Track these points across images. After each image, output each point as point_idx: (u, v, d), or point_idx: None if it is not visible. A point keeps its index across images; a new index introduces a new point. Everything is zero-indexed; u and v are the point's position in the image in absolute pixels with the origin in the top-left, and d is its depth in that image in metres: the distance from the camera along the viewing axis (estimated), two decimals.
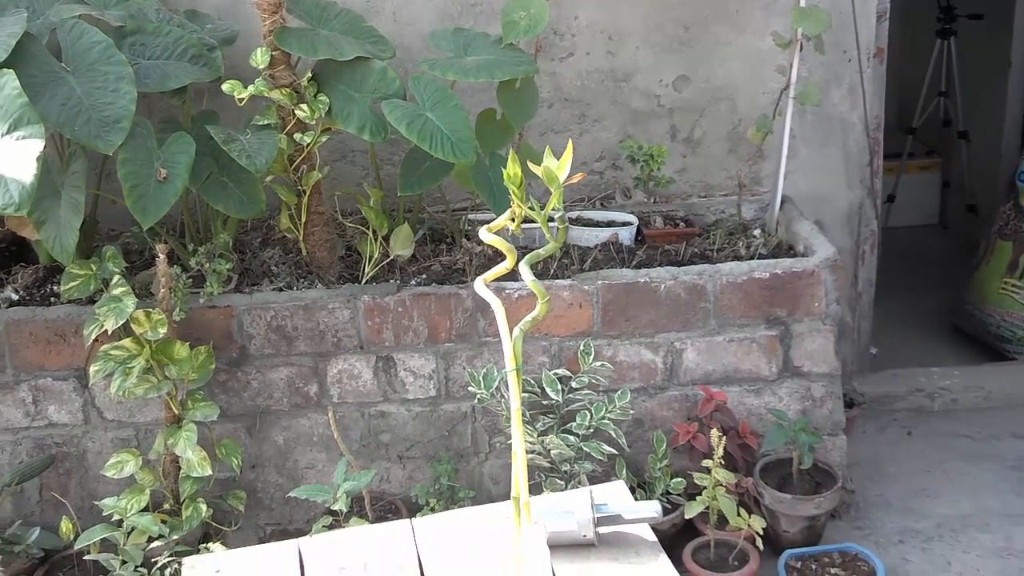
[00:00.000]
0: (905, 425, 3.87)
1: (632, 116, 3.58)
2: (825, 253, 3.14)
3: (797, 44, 3.19)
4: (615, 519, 1.89)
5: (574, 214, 3.48)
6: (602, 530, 1.87)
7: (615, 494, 2.00)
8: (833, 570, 3.04)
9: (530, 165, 1.65)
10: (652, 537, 1.91)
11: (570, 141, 1.69)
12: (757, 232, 3.45)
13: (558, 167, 1.62)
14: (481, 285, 1.67)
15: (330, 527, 2.87)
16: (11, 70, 2.59)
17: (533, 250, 1.69)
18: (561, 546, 1.82)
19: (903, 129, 5.42)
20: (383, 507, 3.14)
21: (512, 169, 1.61)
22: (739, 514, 2.89)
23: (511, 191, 1.63)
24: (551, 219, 1.62)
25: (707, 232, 3.48)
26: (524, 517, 1.64)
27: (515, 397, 1.64)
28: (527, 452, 3.03)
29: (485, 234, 1.67)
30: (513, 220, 1.66)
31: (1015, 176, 4.30)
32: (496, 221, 1.68)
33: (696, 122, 3.61)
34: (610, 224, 3.46)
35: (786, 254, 3.30)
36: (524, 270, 1.65)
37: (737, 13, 3.49)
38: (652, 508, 1.89)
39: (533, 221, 1.63)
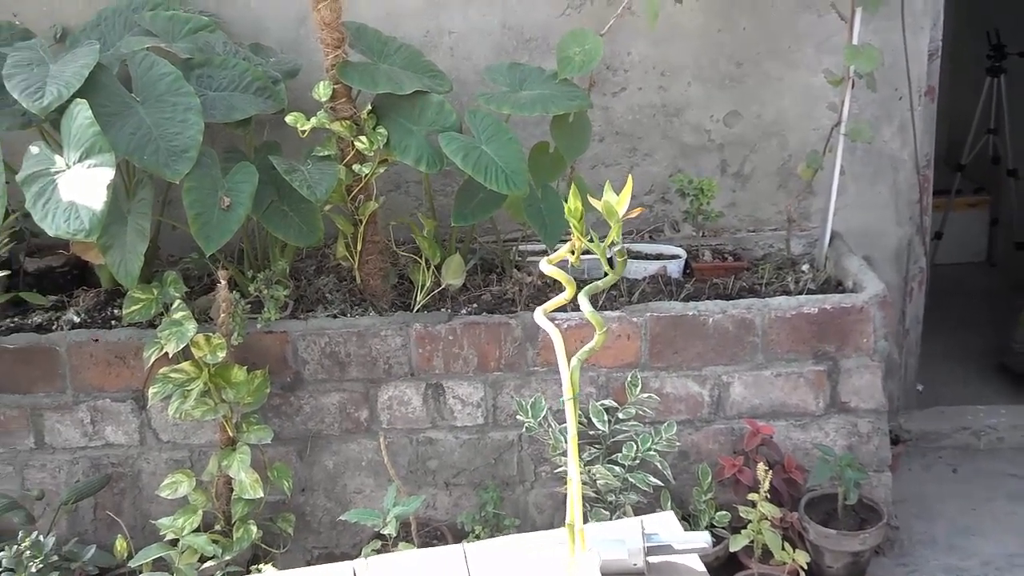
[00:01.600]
0: (951, 463, 3.85)
1: (682, 150, 3.62)
2: (874, 289, 3.15)
3: (849, 81, 3.22)
4: (665, 549, 1.91)
5: (610, 253, 3.51)
6: (652, 559, 1.89)
7: (665, 524, 2.02)
8: None
9: (590, 199, 1.69)
10: (701, 567, 1.92)
11: (629, 177, 1.74)
12: (805, 267, 3.47)
13: (618, 202, 1.66)
14: (540, 315, 1.71)
15: (379, 551, 2.91)
16: (84, 100, 2.69)
17: (588, 282, 1.74)
18: (611, 574, 1.85)
19: (952, 166, 5.42)
20: (429, 533, 3.17)
21: (573, 203, 1.65)
22: (783, 548, 2.90)
23: (572, 224, 1.67)
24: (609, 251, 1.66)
25: (755, 266, 3.50)
26: (579, 544, 1.68)
27: (572, 425, 1.67)
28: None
29: (545, 265, 1.71)
30: (573, 252, 1.70)
31: None
32: (556, 253, 1.72)
33: (746, 157, 3.64)
34: (659, 257, 3.49)
35: (835, 290, 3.31)
36: (583, 301, 1.69)
37: (789, 50, 3.53)
38: (702, 539, 1.91)
39: (589, 252, 1.67)
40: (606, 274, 1.73)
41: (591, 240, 1.67)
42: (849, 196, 3.60)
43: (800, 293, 3.27)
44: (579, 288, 1.71)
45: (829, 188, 3.43)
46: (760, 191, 3.68)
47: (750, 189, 3.67)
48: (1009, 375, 4.43)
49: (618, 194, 1.67)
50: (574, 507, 1.69)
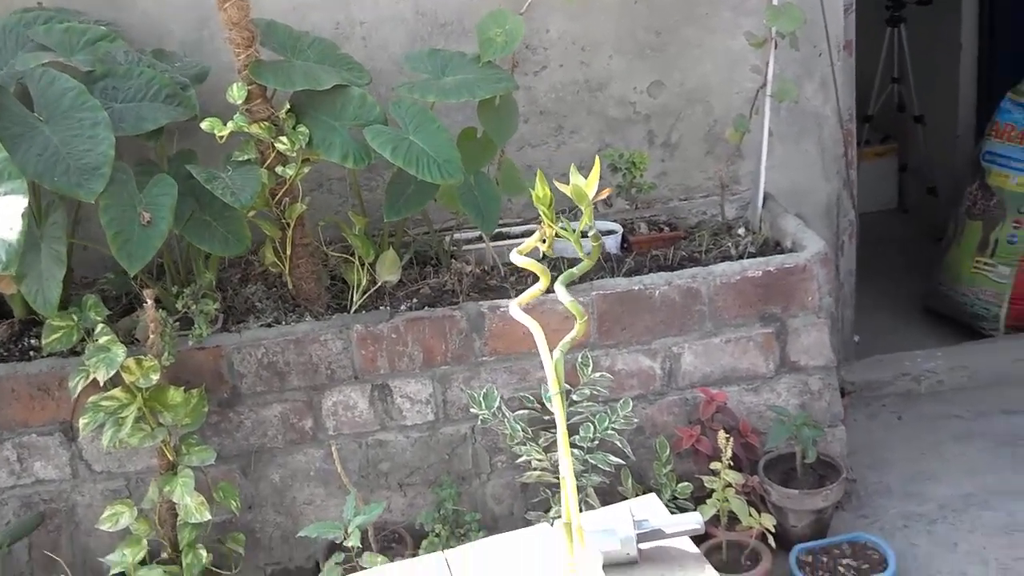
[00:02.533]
0: (895, 410, 3.90)
1: (609, 124, 3.58)
2: (815, 247, 3.16)
3: (772, 42, 3.21)
4: (657, 534, 1.86)
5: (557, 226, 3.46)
6: (644, 546, 1.85)
7: (651, 507, 1.98)
8: (844, 561, 3.05)
9: (557, 184, 1.62)
10: (694, 549, 1.89)
11: (597, 158, 1.68)
12: (741, 231, 3.46)
13: (587, 184, 1.60)
14: (517, 309, 1.65)
15: (341, 563, 2.81)
16: None
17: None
18: (605, 566, 1.79)
19: (859, 117, 5.48)
20: (387, 537, 3.09)
21: (541, 190, 1.59)
22: (750, 514, 2.89)
23: (541, 212, 1.60)
24: (584, 235, 1.60)
25: (692, 235, 3.48)
26: (578, 543, 1.61)
27: (561, 421, 1.61)
28: (533, 469, 3.01)
29: (517, 257, 1.64)
30: (544, 241, 1.63)
31: (979, 157, 4.37)
32: (526, 243, 1.65)
33: (673, 126, 3.61)
34: None
35: (774, 251, 3.31)
36: (560, 290, 1.63)
37: (707, 15, 3.49)
38: (694, 520, 1.87)
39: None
40: (578, 260, 1.67)
41: (563, 227, 1.61)
42: (776, 156, 3.60)
43: (741, 257, 3.25)
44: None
45: (758, 150, 3.42)
46: (689, 159, 3.65)
47: (679, 158, 3.65)
48: (935, 317, 4.53)
49: (586, 177, 1.61)
50: (570, 505, 1.63)
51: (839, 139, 3.70)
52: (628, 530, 1.82)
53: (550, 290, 1.65)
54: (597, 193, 1.60)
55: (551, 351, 1.62)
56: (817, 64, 3.60)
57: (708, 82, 3.57)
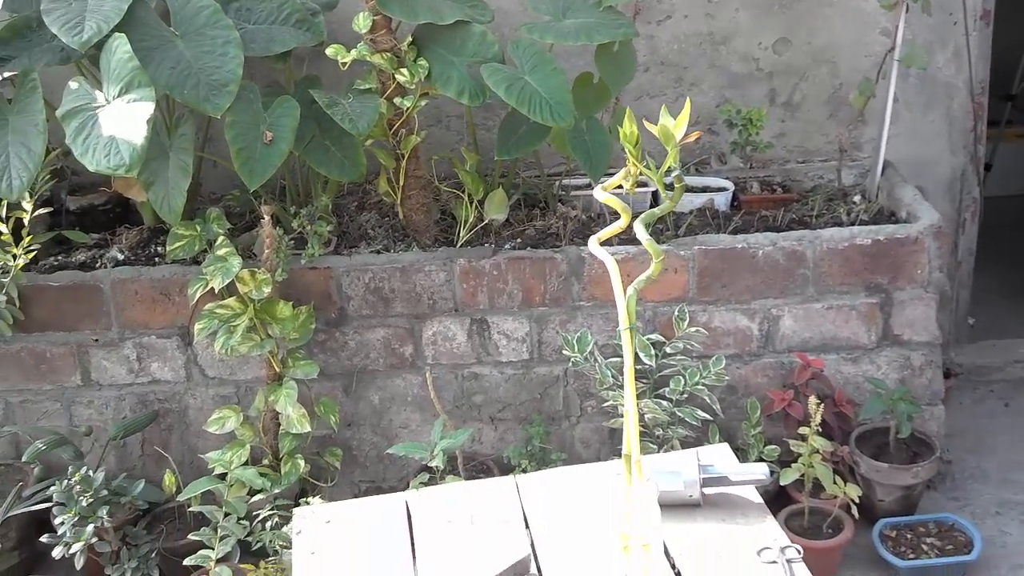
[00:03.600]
0: (1003, 397, 3.79)
1: (730, 80, 3.54)
2: (929, 220, 3.08)
3: (903, 5, 3.11)
4: (722, 480, 1.89)
5: (668, 179, 3.45)
6: (708, 491, 1.87)
7: (721, 456, 2.00)
8: (929, 540, 3.01)
9: (646, 124, 1.64)
10: (759, 499, 1.90)
11: (687, 100, 1.68)
12: (857, 198, 3.39)
13: (675, 125, 1.61)
14: (595, 244, 1.68)
15: (427, 484, 2.91)
16: (123, 34, 2.65)
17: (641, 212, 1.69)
18: (667, 506, 1.83)
19: (1001, 96, 5.26)
20: (475, 467, 3.18)
21: (628, 127, 1.61)
22: (835, 482, 2.87)
23: (627, 150, 1.62)
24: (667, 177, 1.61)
25: (805, 198, 3.43)
26: (636, 475, 1.65)
27: (628, 355, 1.64)
28: (620, 416, 3.04)
29: (600, 193, 1.66)
30: (628, 179, 1.65)
31: None
32: (611, 180, 1.68)
33: (796, 86, 3.55)
34: (705, 190, 3.43)
35: (887, 220, 3.24)
36: (639, 229, 1.65)
37: None
38: (760, 470, 1.89)
39: (640, 186, 1.62)
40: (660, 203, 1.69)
41: (647, 167, 1.63)
42: (901, 125, 3.51)
43: (852, 224, 3.20)
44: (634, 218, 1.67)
45: (881, 117, 3.34)
46: (810, 120, 3.59)
47: (800, 119, 3.59)
48: None
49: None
50: (631, 438, 1.67)
51: (969, 112, 3.58)
52: (693, 473, 1.85)
53: (660, 241, 1.66)
54: (685, 136, 1.61)
55: (637, 282, 1.64)
56: (951, 32, 3.48)
57: (836, 42, 3.49)
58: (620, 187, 1.67)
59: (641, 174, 1.63)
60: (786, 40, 3.50)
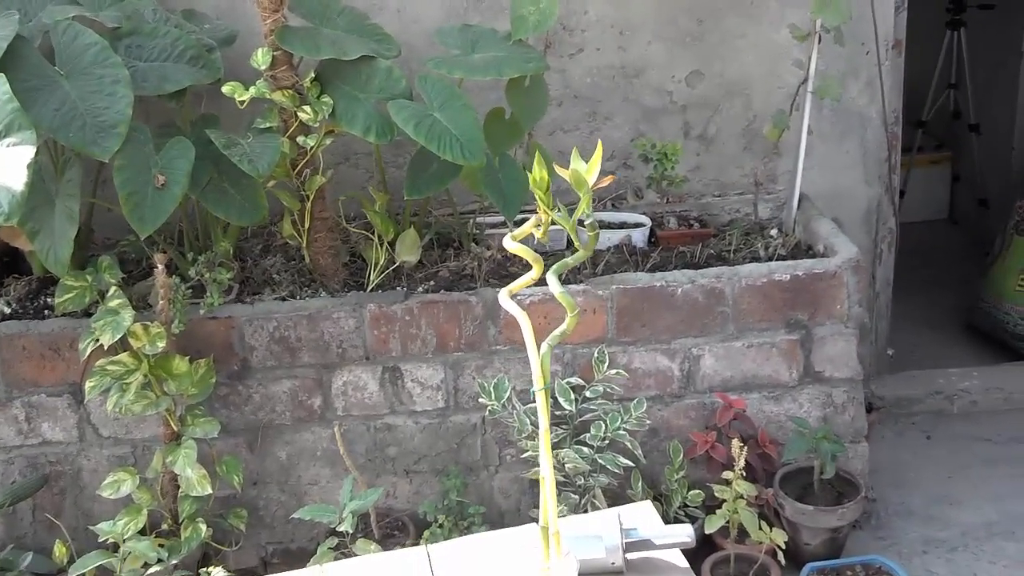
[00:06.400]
0: (924, 429, 3.77)
1: (644, 113, 3.48)
2: (847, 254, 3.04)
3: (816, 36, 3.09)
4: (645, 544, 1.78)
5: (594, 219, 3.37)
6: (631, 555, 1.77)
7: (643, 516, 1.89)
8: None
9: (556, 168, 1.54)
10: (684, 563, 1.80)
11: (599, 143, 1.59)
12: (774, 232, 3.35)
13: (587, 170, 1.51)
14: (506, 297, 1.57)
15: (336, 547, 2.76)
16: (2, 74, 2.48)
17: (554, 256, 1.59)
18: (587, 574, 1.72)
19: (912, 123, 5.32)
20: (389, 524, 3.03)
21: (538, 173, 1.50)
22: (760, 527, 2.79)
23: (537, 196, 1.52)
24: (580, 224, 1.51)
25: (722, 232, 3.37)
26: (554, 549, 1.54)
27: (544, 417, 1.53)
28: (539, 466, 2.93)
29: (509, 243, 1.55)
30: (539, 227, 1.54)
31: None
32: (521, 228, 1.57)
33: (710, 119, 3.51)
34: (622, 225, 3.35)
35: (805, 254, 3.20)
36: (552, 281, 1.55)
37: (751, 4, 3.39)
38: (684, 532, 1.78)
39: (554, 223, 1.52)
40: (576, 249, 1.59)
41: (559, 212, 1.53)
42: (816, 156, 3.48)
43: (770, 259, 3.15)
44: (546, 264, 1.56)
45: (796, 149, 3.31)
46: (725, 154, 3.54)
47: (715, 152, 3.54)
48: (977, 335, 4.37)
49: (586, 161, 1.53)
50: (548, 508, 1.55)
51: (883, 142, 3.57)
52: (615, 538, 1.74)
53: (577, 280, 1.56)
54: (598, 180, 1.51)
55: (551, 339, 1.54)
56: (864, 62, 3.47)
57: (749, 75, 3.46)
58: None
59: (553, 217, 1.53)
60: (699, 73, 3.46)
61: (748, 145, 3.53)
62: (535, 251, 1.55)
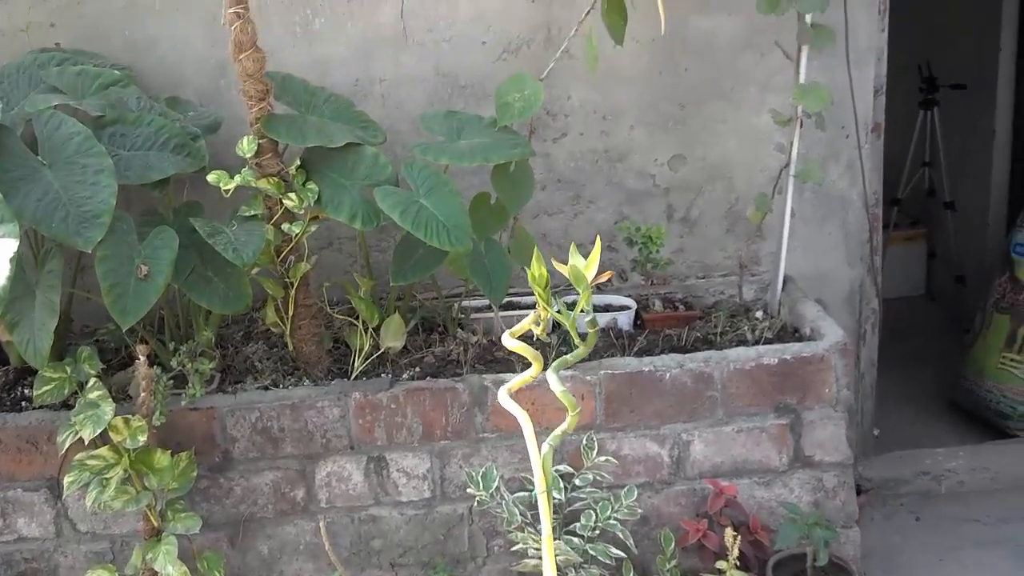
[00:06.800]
0: (913, 510, 3.73)
1: (627, 196, 3.49)
2: (834, 337, 3.03)
3: (797, 121, 3.12)
4: None
5: (570, 299, 3.36)
6: None
7: None
8: None
9: (555, 265, 1.52)
10: None
11: (598, 239, 1.58)
12: (759, 314, 3.34)
13: (586, 266, 1.50)
14: (505, 396, 1.54)
15: None
16: None
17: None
18: None
19: (888, 200, 5.38)
20: None
21: (537, 269, 1.49)
22: None
23: (536, 293, 1.50)
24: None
25: (707, 315, 3.36)
26: None
27: (546, 523, 1.49)
28: (530, 558, 2.87)
29: (508, 340, 1.54)
30: (538, 324, 1.52)
31: (1010, 249, 4.24)
32: (519, 325, 1.55)
33: (693, 201, 3.52)
34: (607, 308, 3.34)
35: (791, 337, 3.19)
36: (552, 379, 1.52)
37: (732, 90, 3.43)
38: None
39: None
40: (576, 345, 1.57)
41: (558, 311, 1.51)
42: (799, 239, 3.50)
43: (757, 342, 3.13)
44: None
45: (779, 231, 3.32)
46: (708, 236, 3.56)
47: (698, 235, 3.55)
48: (959, 412, 4.37)
49: (585, 257, 1.52)
50: None
51: (864, 224, 3.59)
52: None
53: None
54: (597, 275, 1.50)
55: (552, 439, 1.51)
56: (844, 146, 3.50)
57: (731, 159, 3.49)
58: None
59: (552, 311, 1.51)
60: (681, 157, 3.48)
61: (731, 227, 3.55)
62: (535, 350, 1.53)
